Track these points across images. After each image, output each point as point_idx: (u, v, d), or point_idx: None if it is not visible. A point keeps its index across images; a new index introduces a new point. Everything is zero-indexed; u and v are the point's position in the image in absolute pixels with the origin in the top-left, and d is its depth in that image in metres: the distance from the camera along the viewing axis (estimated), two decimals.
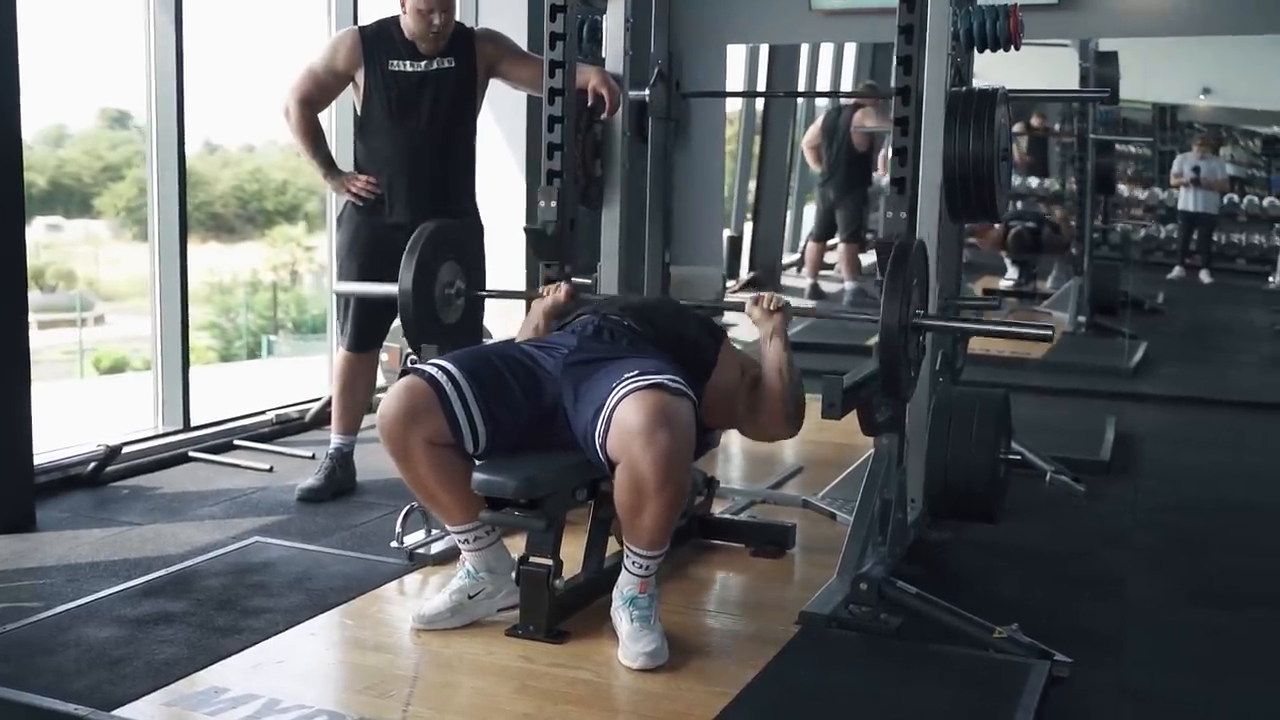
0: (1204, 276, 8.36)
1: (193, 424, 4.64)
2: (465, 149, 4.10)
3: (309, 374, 6.32)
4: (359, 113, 4.04)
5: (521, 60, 4.07)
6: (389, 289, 3.31)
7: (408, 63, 3.93)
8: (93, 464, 4.12)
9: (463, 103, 4.01)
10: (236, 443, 4.66)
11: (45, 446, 4.12)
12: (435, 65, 3.94)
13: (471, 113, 4.07)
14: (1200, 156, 8.06)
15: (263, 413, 4.95)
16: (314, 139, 4.03)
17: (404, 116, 3.93)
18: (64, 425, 4.69)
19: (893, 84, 3.29)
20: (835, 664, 2.72)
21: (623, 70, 3.86)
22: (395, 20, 3.96)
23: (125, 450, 4.29)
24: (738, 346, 3.16)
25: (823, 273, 8.79)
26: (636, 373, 2.64)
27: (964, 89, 3.56)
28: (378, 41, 3.96)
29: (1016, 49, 3.60)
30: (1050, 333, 3.21)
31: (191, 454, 4.47)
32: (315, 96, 4.00)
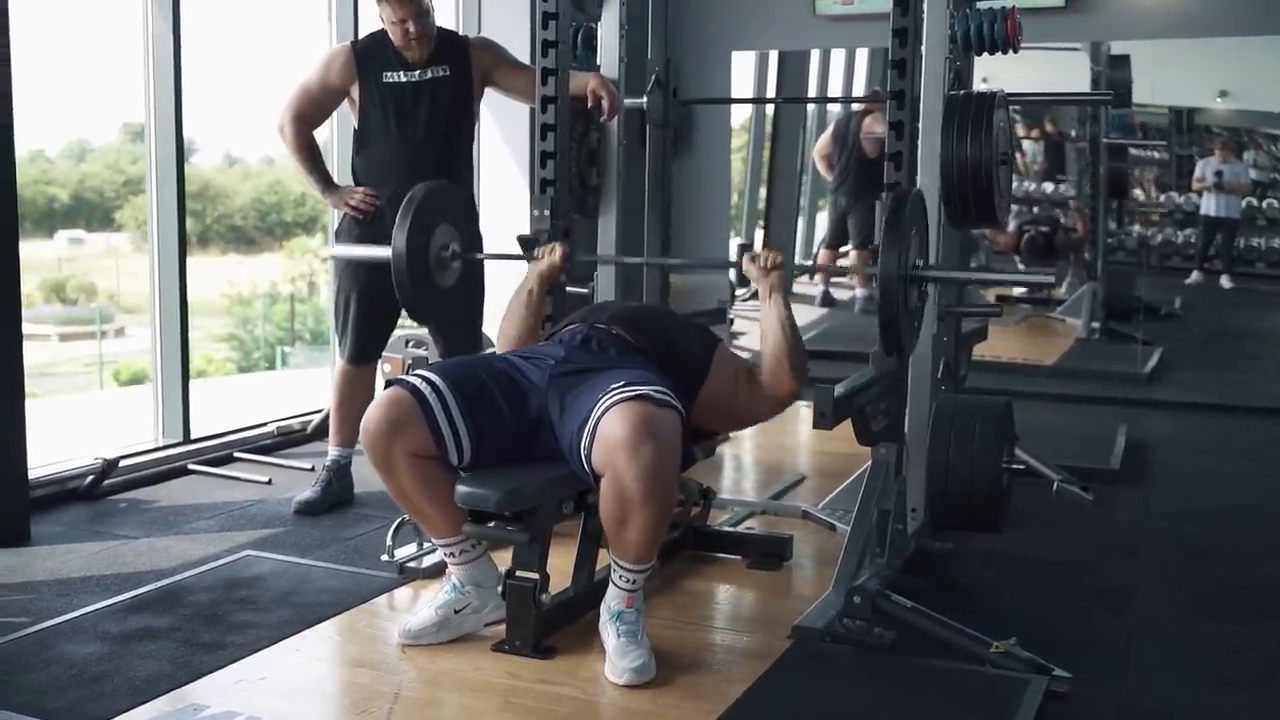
0: (1224, 281, 8.26)
1: (193, 436, 4.62)
2: (465, 156, 4.08)
3: (320, 385, 6.31)
4: (357, 127, 4.03)
5: (516, 69, 4.05)
6: (384, 252, 3.26)
7: (401, 73, 3.91)
8: (90, 477, 4.10)
9: (460, 110, 3.99)
10: (237, 455, 4.63)
11: (67, 456, 4.19)
12: (430, 74, 3.92)
13: (469, 120, 4.05)
14: (1223, 161, 7.98)
15: (264, 425, 4.92)
16: (310, 155, 4.01)
17: (402, 127, 3.90)
18: (83, 436, 4.72)
19: (886, 88, 3.24)
20: (826, 680, 2.66)
21: (619, 77, 3.83)
22: (385, 32, 3.95)
23: (125, 463, 4.27)
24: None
25: (835, 280, 8.72)
26: (622, 383, 2.60)
27: (961, 92, 3.50)
28: (370, 54, 3.94)
29: (1015, 51, 3.54)
30: (1052, 279, 3.14)
31: (191, 466, 4.45)
32: (310, 113, 3.99)
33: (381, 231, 3.91)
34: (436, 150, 3.96)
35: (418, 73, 3.91)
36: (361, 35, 4.14)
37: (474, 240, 3.51)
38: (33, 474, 3.83)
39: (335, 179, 4.14)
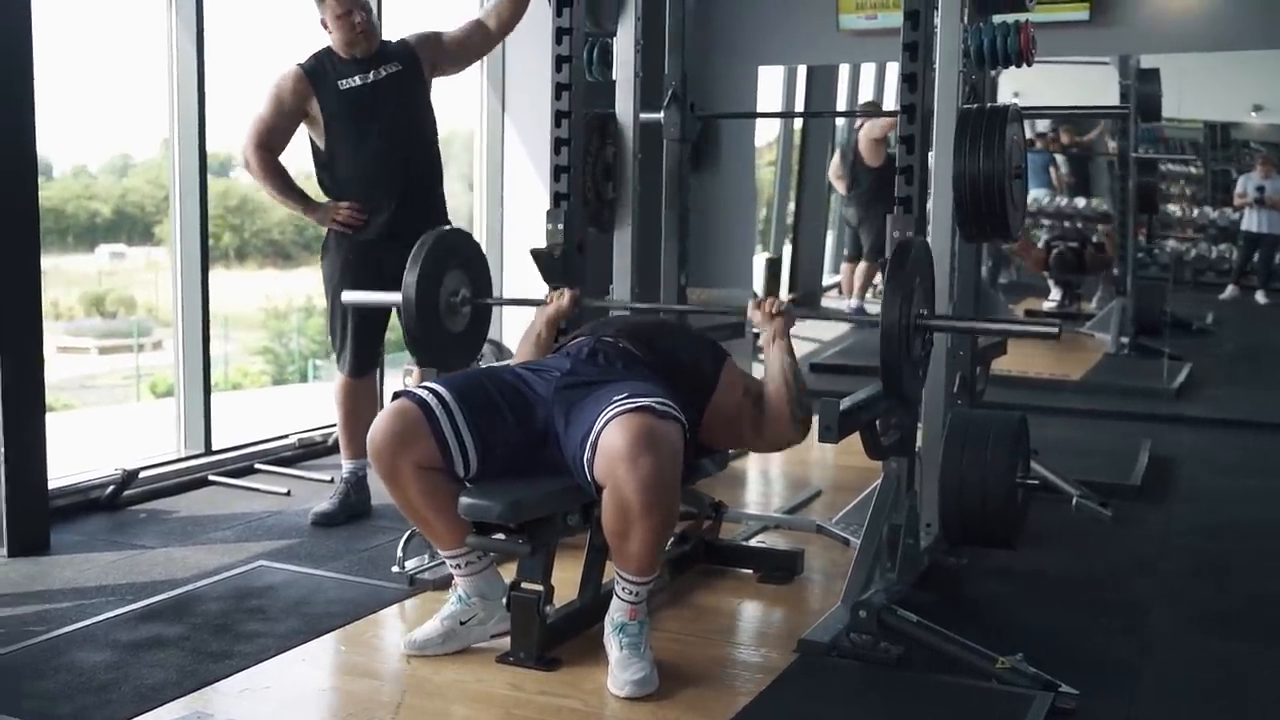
0: (1259, 297, 8.17)
1: (215, 448, 4.66)
2: (434, 151, 4.14)
3: None
4: (321, 144, 4.03)
5: (453, 36, 4.11)
6: (393, 298, 3.30)
7: (356, 78, 3.96)
8: (111, 488, 4.14)
9: (421, 102, 4.06)
10: (257, 466, 4.67)
11: (94, 466, 4.23)
12: (384, 71, 3.98)
13: (431, 115, 4.11)
14: (1265, 176, 7.89)
15: (285, 436, 4.95)
16: (281, 180, 4.02)
17: (369, 127, 3.95)
18: (116, 447, 4.77)
19: (898, 102, 3.24)
20: (830, 694, 2.65)
21: (633, 92, 3.84)
22: (327, 49, 4.01)
23: (146, 474, 4.31)
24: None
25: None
26: (625, 395, 2.61)
27: (975, 106, 3.49)
28: (320, 69, 3.99)
29: (1028, 65, 3.52)
30: (1056, 330, 3.10)
31: (211, 478, 4.49)
32: (271, 140, 3.98)
33: (369, 238, 3.95)
34: (404, 144, 4.02)
35: (372, 73, 3.97)
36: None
37: (484, 280, 3.48)
38: (54, 484, 3.87)
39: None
